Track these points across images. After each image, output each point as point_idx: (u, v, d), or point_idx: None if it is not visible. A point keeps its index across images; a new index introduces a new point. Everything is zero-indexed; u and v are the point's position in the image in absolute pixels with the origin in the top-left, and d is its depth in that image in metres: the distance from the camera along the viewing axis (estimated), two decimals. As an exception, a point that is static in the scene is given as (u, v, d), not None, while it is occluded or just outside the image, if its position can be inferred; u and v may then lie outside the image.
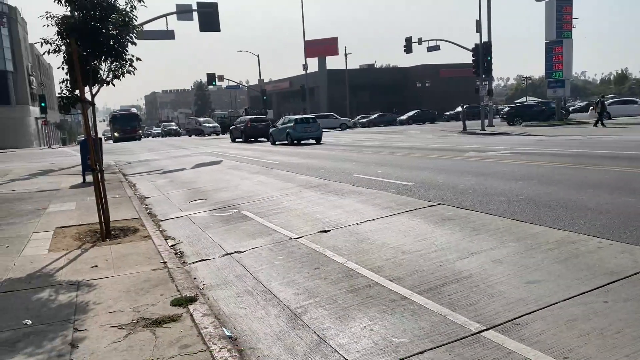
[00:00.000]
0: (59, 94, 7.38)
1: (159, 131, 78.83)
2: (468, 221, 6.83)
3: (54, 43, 7.43)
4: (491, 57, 32.37)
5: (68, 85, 7.53)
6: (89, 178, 15.73)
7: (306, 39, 60.51)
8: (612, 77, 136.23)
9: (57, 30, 7.27)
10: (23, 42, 61.74)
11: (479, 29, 32.78)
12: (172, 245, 7.26)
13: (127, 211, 9.66)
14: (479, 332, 3.75)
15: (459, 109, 59.02)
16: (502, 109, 49.54)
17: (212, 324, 4.09)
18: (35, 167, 22.15)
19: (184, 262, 6.40)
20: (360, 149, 21.38)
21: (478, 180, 10.17)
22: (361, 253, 5.98)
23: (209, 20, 26.47)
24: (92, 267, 5.90)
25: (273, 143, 30.78)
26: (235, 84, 69.24)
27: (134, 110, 64.75)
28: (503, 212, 7.16)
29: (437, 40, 42.62)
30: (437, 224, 6.84)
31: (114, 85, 7.56)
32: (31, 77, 64.04)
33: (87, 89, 7.48)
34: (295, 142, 28.47)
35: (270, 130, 32.02)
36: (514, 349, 3.45)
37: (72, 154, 34.05)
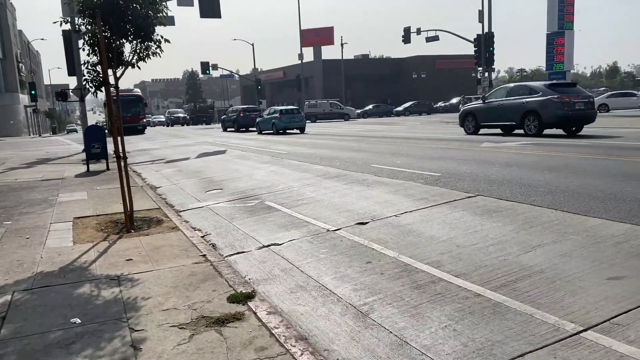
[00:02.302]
0: (83, 77, 6.93)
1: (162, 119, 72.36)
2: (516, 213, 6.56)
3: (69, 22, 7.01)
4: (493, 48, 32.14)
5: (89, 67, 7.07)
6: (93, 167, 15.31)
7: (302, 28, 59.91)
8: (603, 71, 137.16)
9: (79, 9, 6.82)
10: (12, 29, 60.43)
11: (481, 19, 32.51)
12: (201, 237, 6.92)
13: (144, 201, 9.27)
14: (577, 333, 3.48)
15: (454, 100, 59.08)
16: None
17: (281, 323, 3.77)
18: (31, 156, 21.60)
19: (220, 254, 6.06)
20: (367, 140, 21.06)
21: (507, 171, 9.91)
22: (411, 246, 5.68)
23: (210, 6, 25.85)
24: (127, 260, 5.54)
25: (259, 132, 32.00)
26: (229, 72, 68.33)
27: (136, 91, 48.22)
28: (549, 203, 6.89)
29: (436, 30, 42.31)
30: (484, 216, 6.56)
31: (139, 67, 7.14)
32: (20, 64, 62.75)
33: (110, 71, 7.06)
34: (280, 131, 29.72)
35: (257, 120, 32.83)
36: (625, 352, 3.18)
37: (65, 143, 33.39)
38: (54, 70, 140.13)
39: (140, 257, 5.66)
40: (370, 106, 60.43)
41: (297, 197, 9.05)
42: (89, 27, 6.97)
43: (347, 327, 3.92)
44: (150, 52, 7.09)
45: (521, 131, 18.12)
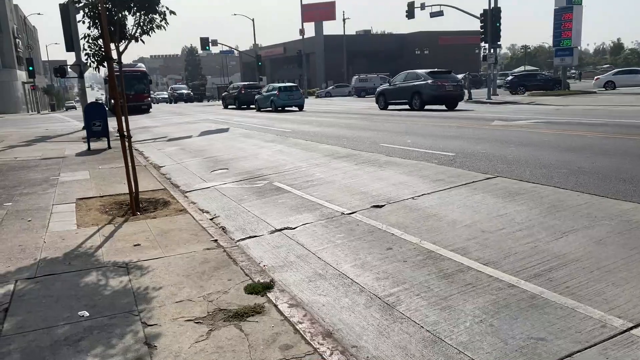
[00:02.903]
0: (84, 51, 6.55)
1: (165, 96, 68.74)
2: (540, 195, 6.27)
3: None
4: (500, 24, 31.42)
5: (90, 42, 6.68)
6: (94, 145, 14.97)
7: (303, 3, 58.74)
8: (607, 47, 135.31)
9: (78, -23, 6.42)
10: (8, 3, 59.21)
11: (488, -7, 31.64)
12: (210, 220, 6.64)
13: (149, 181, 8.98)
14: (627, 330, 3.22)
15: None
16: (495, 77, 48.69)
17: (305, 317, 3.51)
18: (30, 134, 21.23)
19: (231, 238, 5.79)
20: (373, 118, 20.67)
21: (524, 150, 9.59)
22: (433, 231, 5.40)
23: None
24: (135, 245, 5.27)
25: (258, 110, 32.31)
26: (229, 48, 67.26)
27: (140, 65, 39.98)
28: (573, 185, 6.60)
29: (440, 5, 41.33)
30: (507, 199, 6.27)
31: (143, 42, 6.75)
32: (17, 40, 61.70)
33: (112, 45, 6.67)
34: (279, 108, 29.97)
35: (256, 97, 32.92)
36: (684, 352, 2.92)
37: (65, 120, 32.95)
38: (51, 46, 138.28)
39: (149, 242, 5.39)
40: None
41: (306, 178, 8.75)
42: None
43: (374, 320, 3.66)
44: (154, 25, 6.71)
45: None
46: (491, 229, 5.28)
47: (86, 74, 23.97)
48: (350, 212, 6.42)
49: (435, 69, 25.25)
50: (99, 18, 6.49)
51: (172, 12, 6.58)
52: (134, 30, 6.69)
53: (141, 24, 6.64)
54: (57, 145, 15.92)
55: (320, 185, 8.12)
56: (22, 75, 60.57)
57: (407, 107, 24.52)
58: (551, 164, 8.13)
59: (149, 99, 37.01)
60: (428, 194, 6.88)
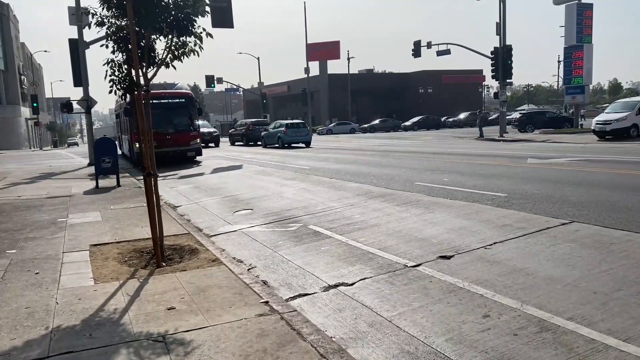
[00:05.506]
0: (109, 77, 5.71)
1: None
2: (641, 247, 5.34)
3: (89, 13, 5.86)
4: (511, 61, 31.14)
5: (113, 67, 5.87)
6: (102, 183, 14.08)
7: (308, 43, 59.13)
8: (606, 87, 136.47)
9: (102, -1, 5.67)
10: (15, 41, 59.49)
11: (499, 31, 31.48)
12: (247, 270, 5.67)
13: (169, 224, 8.02)
14: None
15: (462, 116, 58.17)
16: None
17: None
18: (33, 170, 20.36)
19: (279, 296, 4.82)
20: (391, 154, 19.87)
21: (584, 191, 8.69)
22: (530, 292, 4.44)
23: (222, 16, 24.83)
24: (169, 308, 4.29)
25: (264, 146, 32.18)
26: (235, 86, 67.31)
27: (182, 87, 23.66)
28: (674, 234, 5.68)
29: (447, 44, 41.36)
30: (601, 250, 5.33)
31: (174, 67, 5.96)
32: (22, 77, 61.72)
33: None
34: (285, 145, 29.84)
35: (262, 133, 32.67)
36: None
37: (68, 156, 32.20)
38: (55, 83, 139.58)
39: (185, 303, 4.41)
40: (377, 121, 59.30)
41: (345, 221, 7.82)
42: (113, 21, 5.82)
43: None
44: (187, 50, 5.92)
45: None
46: (605, 290, 4.32)
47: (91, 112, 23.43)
48: (415, 264, 5.47)
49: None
50: (124, 41, 5.74)
51: (209, 35, 5.81)
52: (164, 55, 5.91)
53: (172, 47, 5.86)
54: (62, 183, 15.01)
55: (365, 230, 7.19)
56: (25, 111, 60.32)
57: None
58: (628, 207, 7.21)
59: (198, 140, 21.66)
60: (501, 242, 5.94)
